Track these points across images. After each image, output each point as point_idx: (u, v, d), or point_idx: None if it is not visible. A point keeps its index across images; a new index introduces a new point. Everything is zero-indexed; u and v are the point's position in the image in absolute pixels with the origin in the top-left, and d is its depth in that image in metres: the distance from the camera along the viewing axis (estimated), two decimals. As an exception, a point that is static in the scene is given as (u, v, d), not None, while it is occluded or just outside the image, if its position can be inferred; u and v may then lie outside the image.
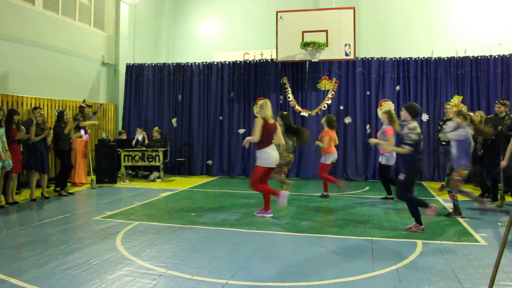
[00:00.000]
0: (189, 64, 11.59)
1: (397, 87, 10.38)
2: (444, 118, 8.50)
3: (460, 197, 6.37)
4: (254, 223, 5.87)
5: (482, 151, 7.47)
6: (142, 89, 11.89)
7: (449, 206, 6.93)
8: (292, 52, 10.24)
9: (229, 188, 9.14)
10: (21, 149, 7.59)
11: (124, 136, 11.13)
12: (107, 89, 12.17)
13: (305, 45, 9.93)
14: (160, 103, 11.77)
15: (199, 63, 11.53)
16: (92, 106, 10.06)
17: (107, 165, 9.63)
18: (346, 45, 9.96)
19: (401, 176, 5.34)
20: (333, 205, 7.23)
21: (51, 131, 7.95)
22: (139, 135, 10.89)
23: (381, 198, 7.80)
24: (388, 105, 10.26)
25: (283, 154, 7.09)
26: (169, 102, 11.69)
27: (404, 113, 5.45)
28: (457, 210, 6.29)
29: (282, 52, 10.31)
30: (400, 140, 5.59)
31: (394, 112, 7.56)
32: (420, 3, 11.87)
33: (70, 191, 8.30)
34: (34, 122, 7.59)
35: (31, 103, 9.04)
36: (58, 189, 8.24)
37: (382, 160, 7.49)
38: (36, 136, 7.49)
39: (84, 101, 9.84)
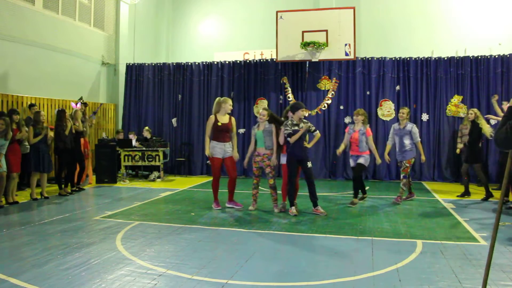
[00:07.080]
0: (189, 64, 11.59)
1: (397, 87, 10.38)
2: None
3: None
4: (254, 223, 5.87)
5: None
6: (142, 89, 11.90)
7: (449, 206, 6.95)
8: (292, 52, 10.24)
9: (229, 188, 9.12)
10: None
11: (121, 136, 11.05)
12: (107, 89, 12.18)
13: (305, 45, 9.92)
14: (160, 103, 11.77)
15: (199, 63, 11.53)
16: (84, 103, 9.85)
17: (107, 165, 9.63)
18: (346, 45, 9.96)
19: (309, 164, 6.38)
20: (333, 205, 7.23)
21: (48, 129, 7.87)
22: (133, 137, 10.88)
23: (361, 199, 7.44)
24: (388, 105, 10.28)
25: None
26: (169, 102, 11.69)
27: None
28: (411, 192, 7.52)
29: (282, 52, 10.31)
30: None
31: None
32: (420, 3, 11.86)
33: (69, 190, 8.29)
34: (32, 122, 7.56)
35: (31, 103, 9.04)
36: (74, 188, 8.43)
37: (361, 160, 7.06)
38: (34, 138, 7.49)
39: (80, 98, 9.49)
